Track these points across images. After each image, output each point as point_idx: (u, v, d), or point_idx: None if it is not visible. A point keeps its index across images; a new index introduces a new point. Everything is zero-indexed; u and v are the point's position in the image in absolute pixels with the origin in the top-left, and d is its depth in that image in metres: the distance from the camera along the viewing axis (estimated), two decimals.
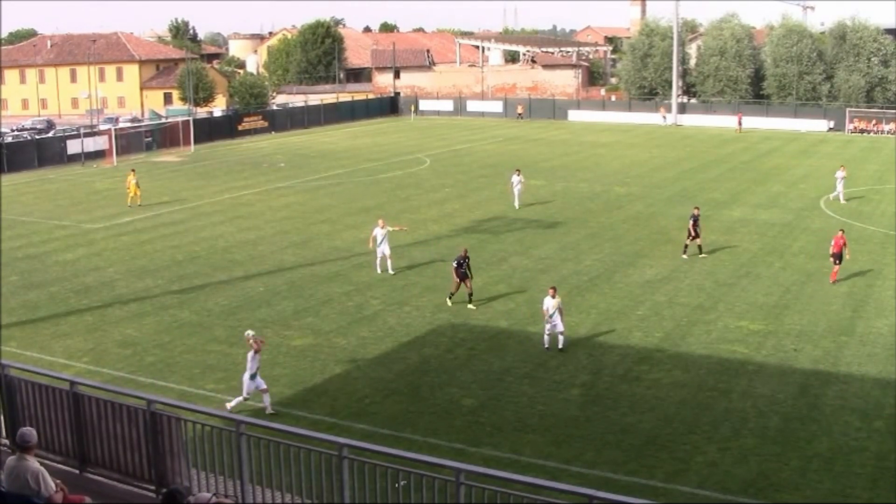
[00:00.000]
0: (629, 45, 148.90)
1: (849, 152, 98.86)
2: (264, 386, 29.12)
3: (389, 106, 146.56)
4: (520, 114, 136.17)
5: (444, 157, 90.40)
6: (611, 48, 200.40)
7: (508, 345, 36.27)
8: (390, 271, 46.23)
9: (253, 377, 29.01)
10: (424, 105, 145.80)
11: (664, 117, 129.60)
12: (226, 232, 56.83)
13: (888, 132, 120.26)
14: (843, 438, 27.96)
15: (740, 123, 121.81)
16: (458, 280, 40.99)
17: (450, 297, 41.45)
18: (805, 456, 26.83)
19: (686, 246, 50.05)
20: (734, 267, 48.17)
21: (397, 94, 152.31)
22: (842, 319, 39.42)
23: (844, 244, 45.36)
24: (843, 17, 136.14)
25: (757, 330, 38.02)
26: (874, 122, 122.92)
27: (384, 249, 46.09)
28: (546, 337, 35.65)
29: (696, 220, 49.76)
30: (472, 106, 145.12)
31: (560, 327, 35.22)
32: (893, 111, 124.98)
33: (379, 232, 46.29)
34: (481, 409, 29.87)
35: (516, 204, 63.11)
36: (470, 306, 40.93)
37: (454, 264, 41.21)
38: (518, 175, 63.68)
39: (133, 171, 68.92)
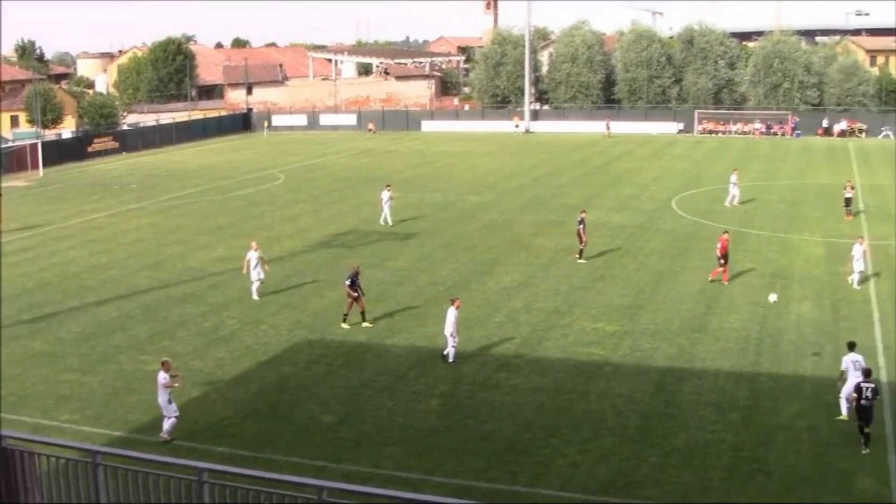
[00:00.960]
0: (482, 54, 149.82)
1: (699, 153, 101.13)
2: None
3: (242, 122, 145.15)
4: (371, 129, 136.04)
5: (297, 173, 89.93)
6: (464, 58, 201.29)
7: (366, 359, 36.18)
8: (255, 297, 45.31)
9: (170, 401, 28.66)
10: (278, 120, 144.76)
11: (517, 125, 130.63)
12: (77, 257, 55.67)
13: (735, 132, 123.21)
14: (700, 432, 28.59)
15: (608, 128, 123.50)
16: (351, 299, 40.25)
17: (344, 319, 40.54)
18: (664, 452, 27.35)
19: (581, 251, 50.64)
20: (589, 270, 48.80)
21: (250, 110, 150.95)
22: (695, 317, 40.24)
23: (726, 245, 46.04)
24: (691, 22, 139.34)
25: (613, 331, 38.58)
26: (722, 122, 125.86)
27: (259, 273, 45.30)
28: (452, 349, 35.54)
29: (583, 223, 50.41)
30: (325, 120, 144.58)
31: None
32: (740, 112, 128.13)
33: (253, 255, 45.39)
34: (341, 425, 29.75)
35: (389, 220, 61.79)
36: (365, 324, 40.31)
37: (347, 282, 40.33)
38: (388, 191, 62.86)
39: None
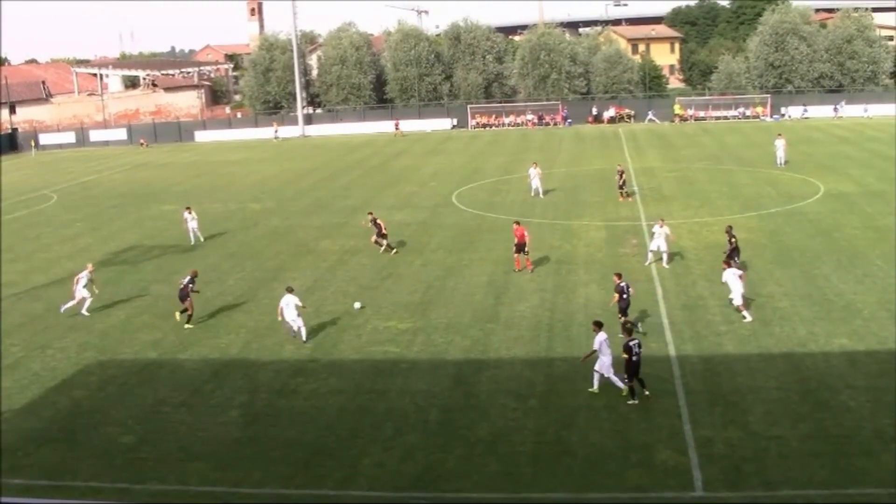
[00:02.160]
0: (250, 61, 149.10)
1: (475, 147, 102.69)
2: None
3: (8, 143, 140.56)
4: (142, 143, 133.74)
5: (71, 191, 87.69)
6: (232, 65, 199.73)
7: (160, 375, 35.44)
8: (84, 312, 44.04)
9: None
10: (45, 139, 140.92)
11: (276, 132, 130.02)
12: None
13: (509, 124, 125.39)
14: (502, 420, 28.96)
15: (398, 127, 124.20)
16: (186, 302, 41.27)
17: (189, 320, 41.36)
18: (468, 443, 27.58)
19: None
20: (375, 269, 48.94)
21: (15, 129, 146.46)
22: (486, 308, 40.72)
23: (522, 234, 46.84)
24: (457, 19, 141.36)
25: (406, 328, 38.73)
26: (495, 116, 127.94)
27: (85, 293, 44.01)
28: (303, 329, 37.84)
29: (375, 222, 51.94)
30: (95, 136, 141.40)
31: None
32: (512, 104, 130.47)
33: (85, 275, 44.47)
34: (141, 445, 29.06)
35: (192, 240, 59.28)
36: (188, 326, 41.07)
37: (189, 285, 41.36)
38: (189, 212, 60.69)
39: None
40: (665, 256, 46.93)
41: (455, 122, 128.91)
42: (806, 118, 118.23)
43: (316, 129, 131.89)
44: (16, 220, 73.12)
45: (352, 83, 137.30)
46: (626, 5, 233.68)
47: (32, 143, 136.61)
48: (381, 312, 41.31)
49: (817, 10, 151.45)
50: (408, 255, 51.51)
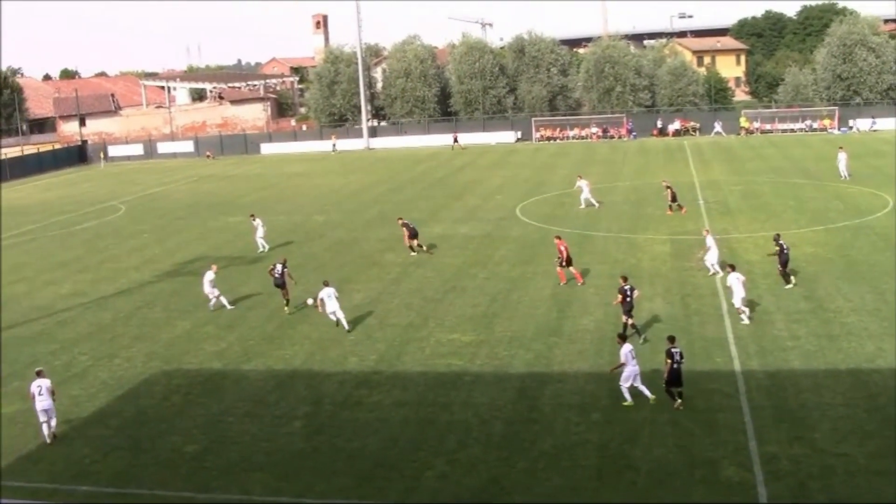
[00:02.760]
0: (315, 74, 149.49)
1: (539, 160, 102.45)
2: None
3: (78, 155, 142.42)
4: (209, 155, 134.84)
5: (139, 203, 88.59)
6: (297, 78, 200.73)
7: (225, 385, 35.72)
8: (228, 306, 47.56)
9: None
10: (114, 151, 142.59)
11: (334, 144, 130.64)
12: None
13: (573, 137, 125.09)
14: (565, 435, 28.87)
15: (456, 140, 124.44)
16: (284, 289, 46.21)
17: (287, 304, 45.99)
18: (531, 457, 27.51)
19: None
20: (440, 282, 48.95)
21: (85, 141, 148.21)
22: (549, 321, 40.62)
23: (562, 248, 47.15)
24: (521, 32, 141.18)
25: (469, 341, 38.71)
26: (559, 129, 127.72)
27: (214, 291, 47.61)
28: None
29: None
30: (162, 148, 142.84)
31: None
32: (576, 117, 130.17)
33: (210, 275, 47.78)
34: (205, 454, 29.30)
35: (259, 246, 60.20)
36: (286, 309, 45.46)
37: (284, 270, 46.31)
38: (254, 219, 61.37)
39: None
40: (714, 264, 47.34)
41: (519, 134, 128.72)
42: (874, 131, 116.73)
43: (380, 142, 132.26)
44: (84, 230, 74.01)
45: (416, 96, 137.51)
46: (691, 17, 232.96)
47: (101, 155, 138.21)
48: (444, 325, 41.34)
49: (886, 21, 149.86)
50: (472, 268, 51.49)
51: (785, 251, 44.82)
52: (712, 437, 27.92)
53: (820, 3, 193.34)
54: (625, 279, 38.95)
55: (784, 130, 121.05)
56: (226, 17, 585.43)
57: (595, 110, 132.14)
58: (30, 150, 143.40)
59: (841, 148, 79.55)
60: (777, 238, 45.91)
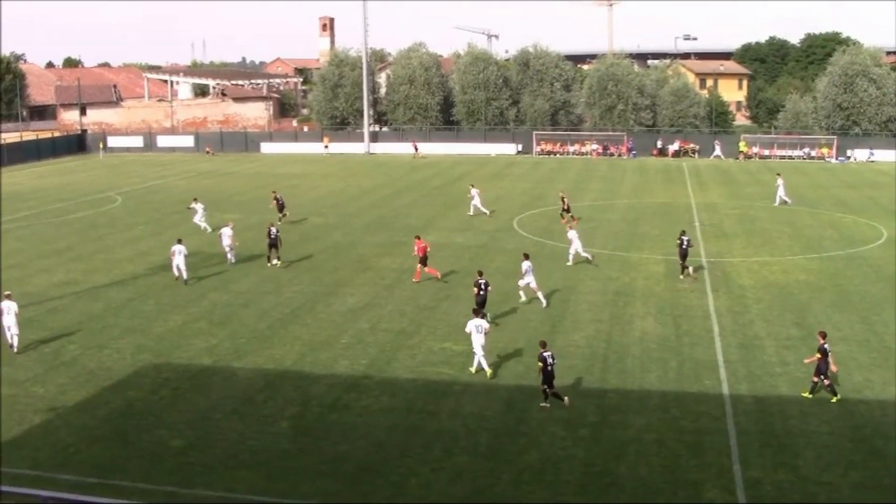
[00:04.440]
0: (319, 76, 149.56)
1: (538, 174, 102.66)
2: None
3: (77, 143, 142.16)
4: (208, 151, 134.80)
5: (136, 195, 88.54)
6: (301, 79, 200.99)
7: (213, 382, 35.72)
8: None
9: None
10: (113, 142, 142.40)
11: (326, 146, 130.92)
12: None
13: (573, 153, 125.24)
14: (551, 448, 28.93)
15: (416, 149, 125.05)
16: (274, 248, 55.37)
17: (278, 258, 55.13)
18: (517, 469, 27.57)
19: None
20: (434, 290, 48.99)
21: (84, 131, 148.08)
22: (541, 335, 40.39)
23: (426, 248, 51.50)
24: (526, 45, 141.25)
25: (461, 350, 38.68)
26: (559, 143, 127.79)
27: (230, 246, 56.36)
28: None
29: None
30: (162, 141, 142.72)
31: None
32: (577, 133, 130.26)
33: (227, 231, 56.06)
34: (191, 449, 29.31)
35: (231, 260, 57.83)
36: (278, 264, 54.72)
37: (277, 233, 55.51)
38: (227, 226, 60.86)
39: None
40: (572, 256, 54.45)
41: (520, 147, 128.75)
42: (872, 161, 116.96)
43: (381, 147, 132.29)
44: (79, 220, 73.97)
45: (419, 103, 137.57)
46: (695, 39, 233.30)
47: (101, 145, 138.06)
48: (436, 333, 41.37)
49: (888, 53, 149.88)
50: (466, 278, 51.42)
51: (684, 246, 51.25)
52: (698, 459, 27.97)
53: (824, 31, 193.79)
54: (480, 273, 43.55)
55: (782, 157, 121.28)
56: (232, 15, 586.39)
57: (596, 127, 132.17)
58: (29, 136, 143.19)
59: (779, 175, 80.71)
60: (682, 234, 52.55)
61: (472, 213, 73.75)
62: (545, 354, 32.33)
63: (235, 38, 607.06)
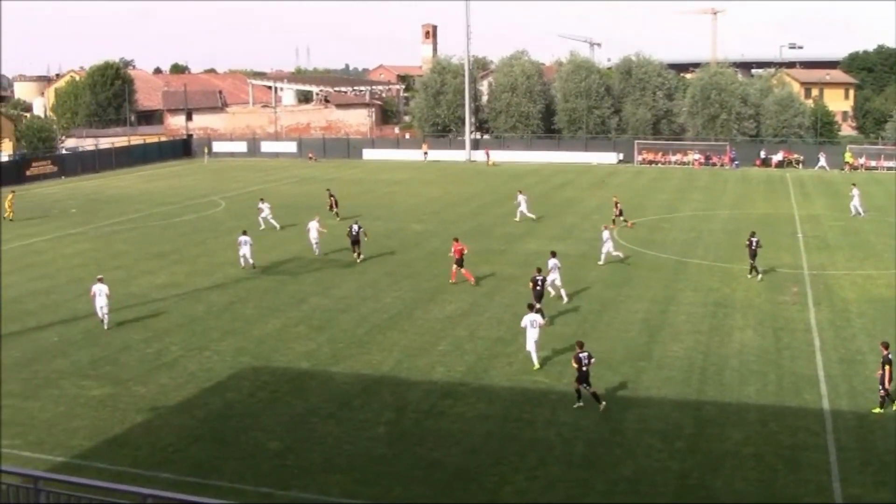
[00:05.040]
0: (421, 83, 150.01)
1: (639, 183, 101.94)
2: None
3: (182, 148, 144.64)
4: (311, 157, 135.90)
5: (239, 200, 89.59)
6: (404, 86, 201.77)
7: (311, 386, 36.04)
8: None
9: None
10: (218, 147, 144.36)
11: (425, 153, 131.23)
12: (16, 281, 55.03)
13: (675, 163, 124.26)
14: (646, 460, 28.68)
15: (488, 156, 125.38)
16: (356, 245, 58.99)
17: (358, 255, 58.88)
18: (610, 479, 27.41)
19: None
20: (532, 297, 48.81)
21: (190, 136, 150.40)
22: (639, 345, 40.40)
23: (463, 250, 53.03)
24: (629, 54, 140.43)
25: (557, 360, 38.55)
26: (661, 153, 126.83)
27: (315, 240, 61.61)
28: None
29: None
30: (266, 147, 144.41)
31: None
32: (679, 142, 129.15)
33: (314, 226, 61.77)
34: (287, 452, 29.59)
35: (316, 251, 61.68)
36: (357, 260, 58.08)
37: (360, 229, 59.37)
38: (315, 221, 62.80)
39: (13, 192, 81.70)
40: (603, 257, 57.27)
41: (621, 156, 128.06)
42: None
43: (481, 155, 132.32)
44: (184, 223, 75.09)
45: (521, 111, 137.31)
46: (801, 48, 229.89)
47: (206, 150, 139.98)
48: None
49: None
50: (565, 287, 51.20)
51: (754, 247, 53.53)
52: (795, 475, 27.57)
53: None
54: (538, 270, 46.40)
55: (889, 168, 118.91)
56: (337, 21, 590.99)
57: (698, 136, 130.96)
58: (136, 140, 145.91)
59: (854, 185, 79.53)
60: (751, 235, 54.84)
61: (518, 218, 74.73)
62: (581, 355, 32.87)
63: (339, 44, 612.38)
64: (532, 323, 37.72)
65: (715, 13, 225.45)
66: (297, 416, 32.78)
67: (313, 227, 61.52)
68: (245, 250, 57.03)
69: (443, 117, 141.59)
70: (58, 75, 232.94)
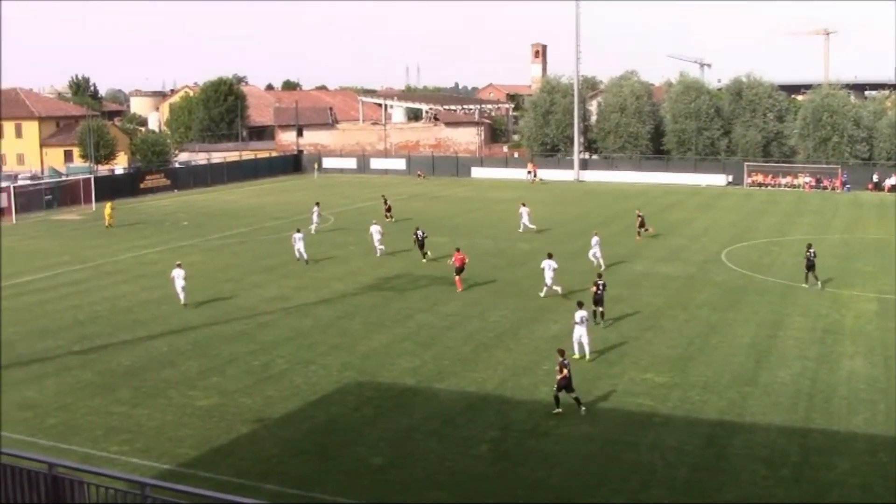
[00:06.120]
0: (531, 103, 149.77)
1: (748, 206, 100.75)
2: None
3: (293, 164, 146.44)
4: (420, 174, 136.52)
5: (348, 215, 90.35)
6: (513, 105, 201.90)
7: (416, 402, 36.18)
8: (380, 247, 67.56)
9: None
10: (328, 163, 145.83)
11: (531, 173, 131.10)
12: (128, 291, 56.18)
13: (785, 185, 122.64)
14: (751, 487, 28.32)
15: (533, 174, 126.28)
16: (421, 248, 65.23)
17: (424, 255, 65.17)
18: None
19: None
20: (638, 320, 48.60)
21: (300, 151, 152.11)
22: (746, 370, 39.92)
23: (464, 259, 56.60)
24: (739, 74, 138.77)
25: (662, 382, 38.32)
26: (771, 176, 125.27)
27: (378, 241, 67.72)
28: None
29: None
30: (375, 164, 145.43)
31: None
32: (790, 165, 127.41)
33: (376, 229, 68.52)
34: (390, 467, 29.73)
35: (378, 252, 67.61)
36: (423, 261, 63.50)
37: (423, 234, 66.02)
38: (376, 225, 68.76)
39: (111, 203, 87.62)
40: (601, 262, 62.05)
41: (730, 178, 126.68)
42: None
43: (590, 175, 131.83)
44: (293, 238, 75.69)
45: (629, 131, 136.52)
46: None
47: (315, 166, 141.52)
48: (639, 364, 41.00)
49: None
50: (671, 309, 50.98)
51: (811, 259, 56.10)
52: None
53: None
54: (599, 276, 50.75)
55: None
56: (447, 41, 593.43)
57: (809, 159, 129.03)
58: (248, 155, 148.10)
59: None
60: (809, 247, 57.51)
61: (521, 230, 79.19)
62: (564, 362, 34.63)
63: (449, 63, 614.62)
64: (581, 319, 41.56)
65: (827, 34, 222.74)
66: (401, 431, 32.93)
67: (375, 230, 68.20)
68: (299, 245, 64.64)
69: (551, 136, 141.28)
70: (172, 91, 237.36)
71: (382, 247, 67.84)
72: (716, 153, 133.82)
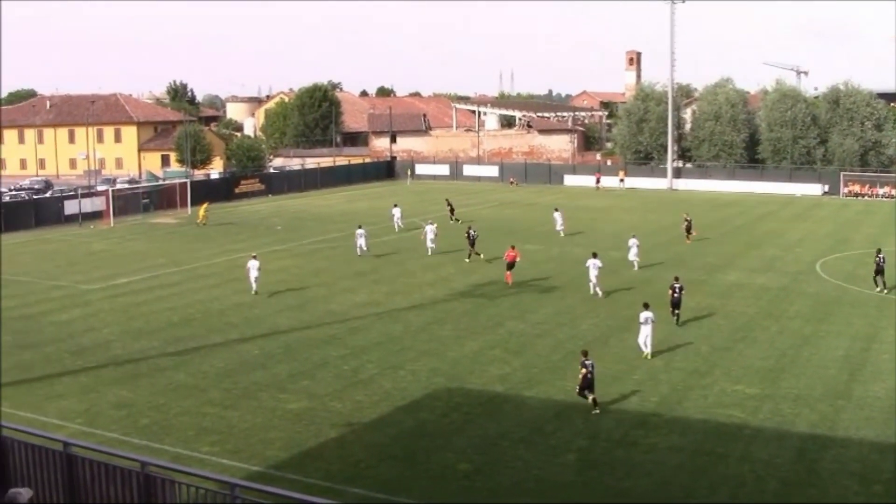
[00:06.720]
0: (624, 110, 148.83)
1: (844, 216, 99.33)
2: None
3: (386, 170, 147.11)
4: (512, 181, 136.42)
5: (440, 222, 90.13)
6: (606, 113, 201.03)
7: (504, 409, 36.15)
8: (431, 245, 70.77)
9: None
10: (421, 169, 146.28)
11: (621, 181, 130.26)
12: (221, 294, 56.82)
13: (883, 196, 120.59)
14: (842, 503, 27.80)
15: (598, 182, 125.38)
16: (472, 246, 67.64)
17: (469, 255, 67.25)
18: None
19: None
20: (730, 331, 48.13)
21: (394, 157, 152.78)
22: (839, 383, 39.34)
23: (516, 257, 59.43)
24: (837, 82, 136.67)
25: (753, 394, 37.90)
26: (868, 185, 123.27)
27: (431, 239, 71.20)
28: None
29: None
30: (468, 170, 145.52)
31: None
32: (888, 175, 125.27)
33: (430, 229, 71.55)
34: (476, 474, 29.71)
35: (429, 251, 71.10)
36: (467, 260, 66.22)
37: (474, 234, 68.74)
38: (431, 224, 73.15)
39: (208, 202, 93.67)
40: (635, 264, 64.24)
41: (826, 188, 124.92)
42: None
43: (683, 184, 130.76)
44: (384, 243, 76.15)
45: (724, 140, 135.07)
46: None
47: (408, 172, 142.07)
48: (730, 375, 40.58)
49: None
50: (764, 320, 50.42)
51: (881, 264, 57.11)
52: None
53: None
54: (676, 279, 50.16)
55: None
56: (541, 48, 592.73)
57: None
58: (341, 161, 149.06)
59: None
60: (878, 252, 58.81)
61: (562, 234, 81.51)
62: (587, 363, 35.63)
63: (543, 70, 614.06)
64: (646, 319, 42.72)
65: None
66: (489, 438, 32.91)
67: (430, 230, 71.41)
68: (361, 241, 69.68)
69: (645, 144, 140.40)
70: (268, 97, 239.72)
71: (433, 245, 70.86)
72: (812, 162, 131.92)
